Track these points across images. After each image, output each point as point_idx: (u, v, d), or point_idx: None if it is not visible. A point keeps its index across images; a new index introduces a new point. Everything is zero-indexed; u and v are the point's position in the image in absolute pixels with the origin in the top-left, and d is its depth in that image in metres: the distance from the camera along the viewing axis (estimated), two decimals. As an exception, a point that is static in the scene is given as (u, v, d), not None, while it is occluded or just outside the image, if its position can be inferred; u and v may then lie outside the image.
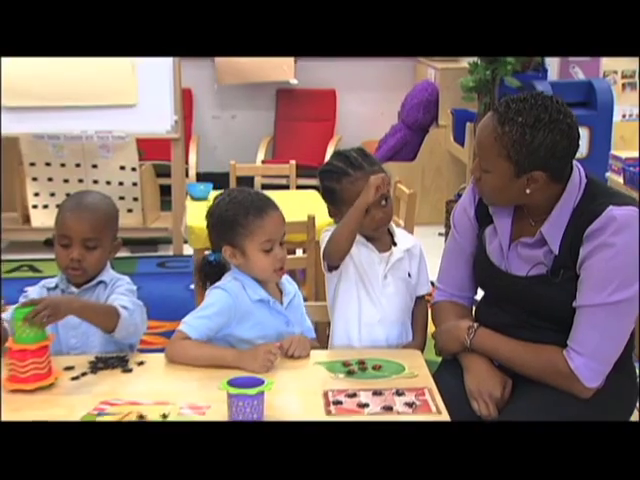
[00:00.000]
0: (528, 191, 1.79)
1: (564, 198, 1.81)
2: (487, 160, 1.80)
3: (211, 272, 1.93)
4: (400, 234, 2.12)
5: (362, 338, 2.04)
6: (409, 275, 2.08)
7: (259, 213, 1.86)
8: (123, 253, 4.51)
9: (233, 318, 1.85)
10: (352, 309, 2.05)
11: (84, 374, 1.77)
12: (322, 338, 2.16)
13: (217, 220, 1.90)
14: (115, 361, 1.83)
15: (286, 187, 4.24)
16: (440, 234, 4.90)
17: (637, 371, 1.94)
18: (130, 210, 4.74)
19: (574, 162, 1.83)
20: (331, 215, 2.14)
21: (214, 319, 1.84)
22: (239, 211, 1.86)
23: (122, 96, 4.54)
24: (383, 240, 2.07)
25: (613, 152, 4.12)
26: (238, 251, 1.87)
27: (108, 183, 4.69)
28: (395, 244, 2.08)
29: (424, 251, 2.14)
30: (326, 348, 2.08)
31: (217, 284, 1.90)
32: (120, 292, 1.90)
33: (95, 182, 4.68)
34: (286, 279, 1.98)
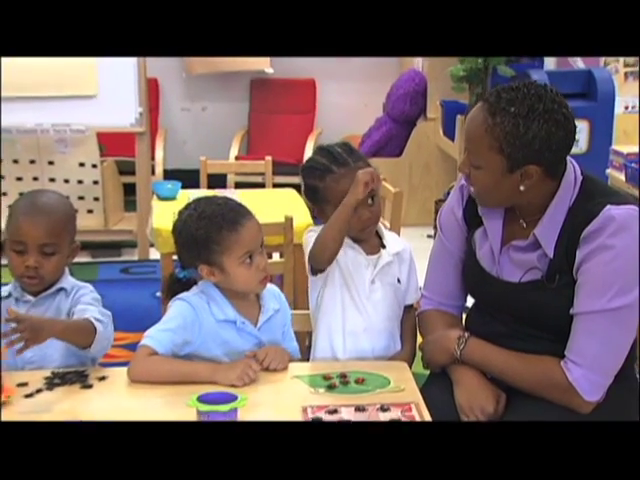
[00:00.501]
0: (522, 188, 1.80)
1: (559, 196, 1.82)
2: (477, 154, 1.81)
3: (180, 290, 1.92)
4: (389, 236, 2.12)
5: (346, 349, 2.04)
6: (398, 281, 2.09)
7: (233, 226, 1.84)
8: (83, 258, 4.49)
9: (197, 334, 1.85)
10: (336, 317, 2.05)
11: (39, 391, 1.76)
12: (301, 349, 2.16)
13: (187, 240, 1.88)
14: (73, 376, 1.82)
15: (262, 185, 4.24)
16: (429, 236, 4.93)
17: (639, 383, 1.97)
18: (90, 211, 4.72)
19: (568, 158, 1.84)
20: (314, 216, 2.13)
21: (179, 332, 1.83)
22: (211, 228, 1.84)
23: (81, 86, 4.52)
24: (371, 242, 2.08)
25: (614, 147, 4.16)
26: (216, 269, 1.85)
27: (66, 181, 4.67)
28: (384, 247, 2.09)
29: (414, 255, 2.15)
30: (307, 360, 2.09)
31: (181, 295, 1.89)
32: (87, 302, 1.89)
33: (52, 180, 4.66)
34: (272, 293, 1.97)
